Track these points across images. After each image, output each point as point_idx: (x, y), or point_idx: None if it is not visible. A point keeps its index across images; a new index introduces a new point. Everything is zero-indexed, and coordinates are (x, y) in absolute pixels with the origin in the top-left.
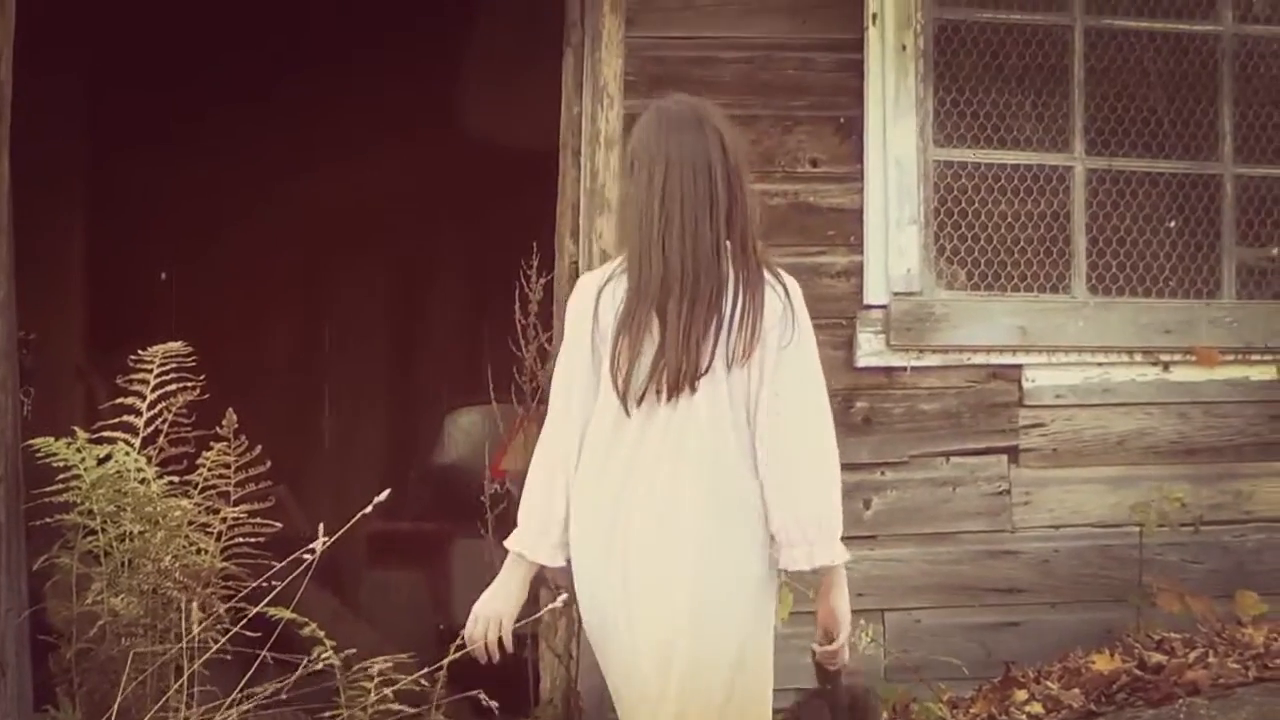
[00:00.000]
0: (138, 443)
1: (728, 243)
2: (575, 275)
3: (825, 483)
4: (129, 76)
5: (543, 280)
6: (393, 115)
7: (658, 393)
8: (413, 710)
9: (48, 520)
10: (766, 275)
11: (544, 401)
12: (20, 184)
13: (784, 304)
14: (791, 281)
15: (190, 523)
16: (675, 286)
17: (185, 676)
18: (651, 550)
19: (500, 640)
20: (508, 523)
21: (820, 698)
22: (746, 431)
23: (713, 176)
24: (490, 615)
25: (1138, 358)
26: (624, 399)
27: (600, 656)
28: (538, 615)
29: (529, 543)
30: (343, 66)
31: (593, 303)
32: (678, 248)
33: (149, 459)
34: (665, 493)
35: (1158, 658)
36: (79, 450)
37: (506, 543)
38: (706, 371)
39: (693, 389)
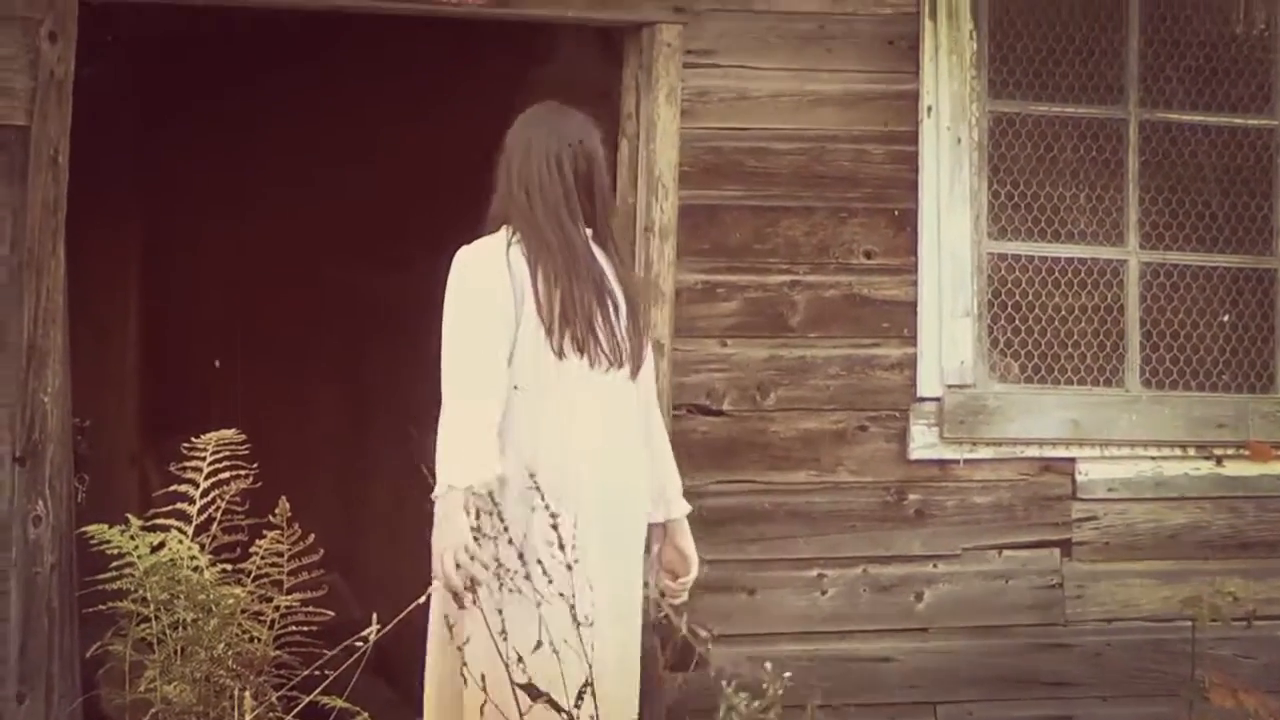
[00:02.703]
0: (191, 530)
1: (589, 231)
2: None
3: (670, 450)
4: (178, 183)
5: None
6: (444, 214)
7: (582, 353)
8: None
9: (101, 607)
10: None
11: None
12: (74, 272)
13: (644, 295)
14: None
15: (243, 610)
16: (568, 266)
17: None
18: (601, 506)
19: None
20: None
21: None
22: (640, 404)
23: (579, 173)
24: (455, 545)
25: (1191, 451)
26: (556, 348)
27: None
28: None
29: (470, 473)
30: (399, 161)
31: (504, 267)
32: (566, 235)
33: (202, 546)
34: (608, 456)
35: None
36: (133, 538)
37: (446, 483)
38: (619, 359)
39: (610, 361)
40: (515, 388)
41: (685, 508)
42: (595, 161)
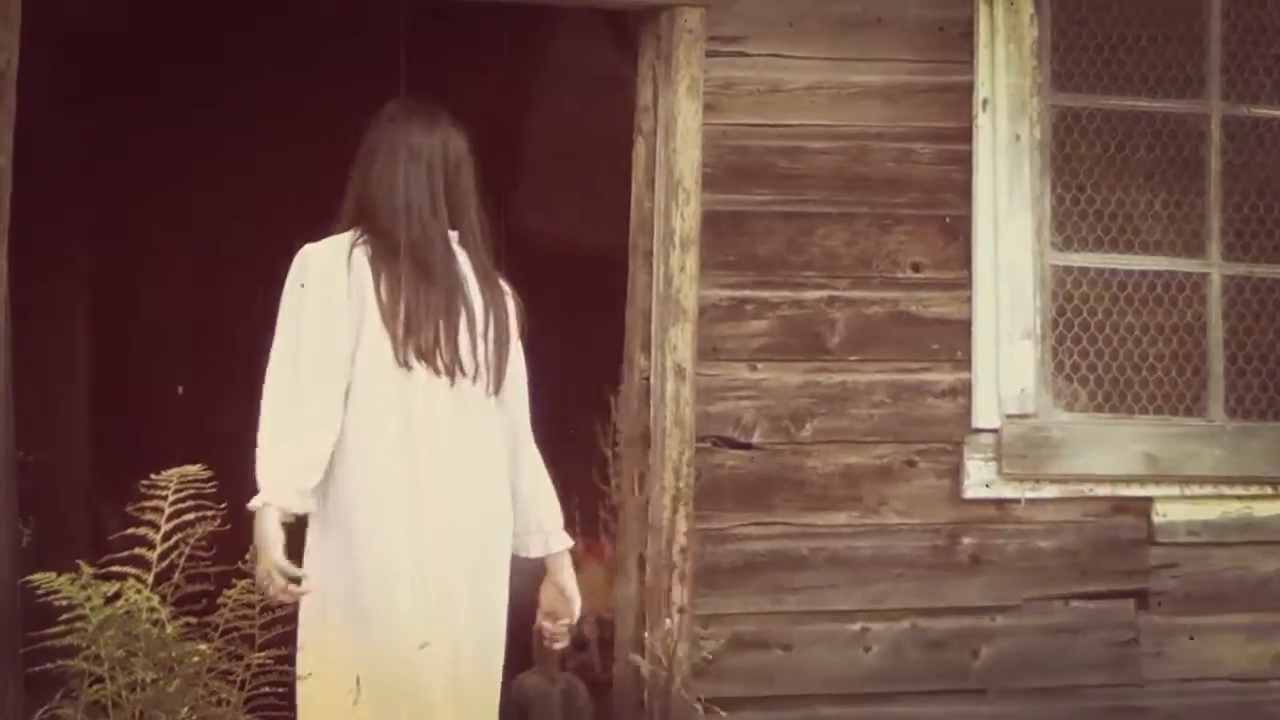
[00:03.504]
0: (151, 579)
1: (454, 234)
2: (647, 393)
3: (549, 479)
4: (136, 171)
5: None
6: None
7: (427, 362)
8: None
9: (49, 666)
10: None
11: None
12: (19, 286)
13: (515, 310)
14: (508, 287)
15: (210, 669)
16: (419, 272)
17: None
18: (442, 525)
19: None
20: (583, 671)
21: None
22: (498, 433)
23: (434, 176)
24: (266, 567)
25: None
26: (401, 358)
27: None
28: None
29: (284, 493)
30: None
31: (344, 267)
32: (419, 239)
33: (163, 597)
34: (451, 473)
35: None
36: (84, 587)
37: (262, 499)
38: (471, 370)
39: (460, 373)
40: (349, 396)
41: (565, 541)
42: (460, 161)
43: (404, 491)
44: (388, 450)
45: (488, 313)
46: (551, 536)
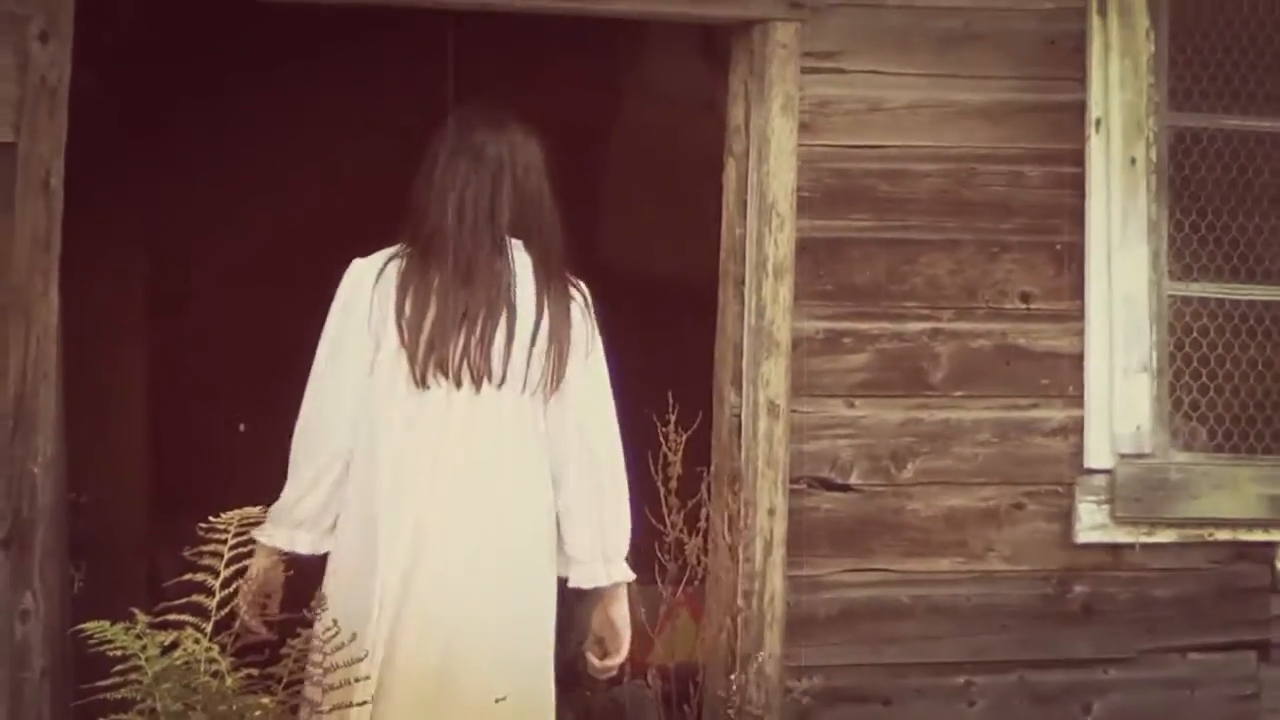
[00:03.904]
0: (210, 628)
1: (519, 243)
2: (739, 430)
3: (623, 502)
4: (199, 196)
5: (684, 435)
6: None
7: (447, 379)
8: None
9: None
10: (569, 289)
11: (695, 581)
12: (72, 316)
13: (583, 312)
14: (584, 287)
15: None
16: (459, 277)
17: None
18: (449, 555)
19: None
20: None
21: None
22: (542, 442)
23: (498, 179)
24: (243, 601)
25: None
26: (418, 377)
27: None
28: None
29: (276, 535)
30: None
31: (372, 281)
32: (465, 242)
33: (223, 647)
34: (468, 490)
35: None
36: (139, 636)
37: (261, 535)
38: (504, 376)
39: (483, 381)
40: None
41: (625, 573)
42: (529, 165)
43: (408, 511)
44: (395, 472)
45: (539, 318)
46: (612, 566)
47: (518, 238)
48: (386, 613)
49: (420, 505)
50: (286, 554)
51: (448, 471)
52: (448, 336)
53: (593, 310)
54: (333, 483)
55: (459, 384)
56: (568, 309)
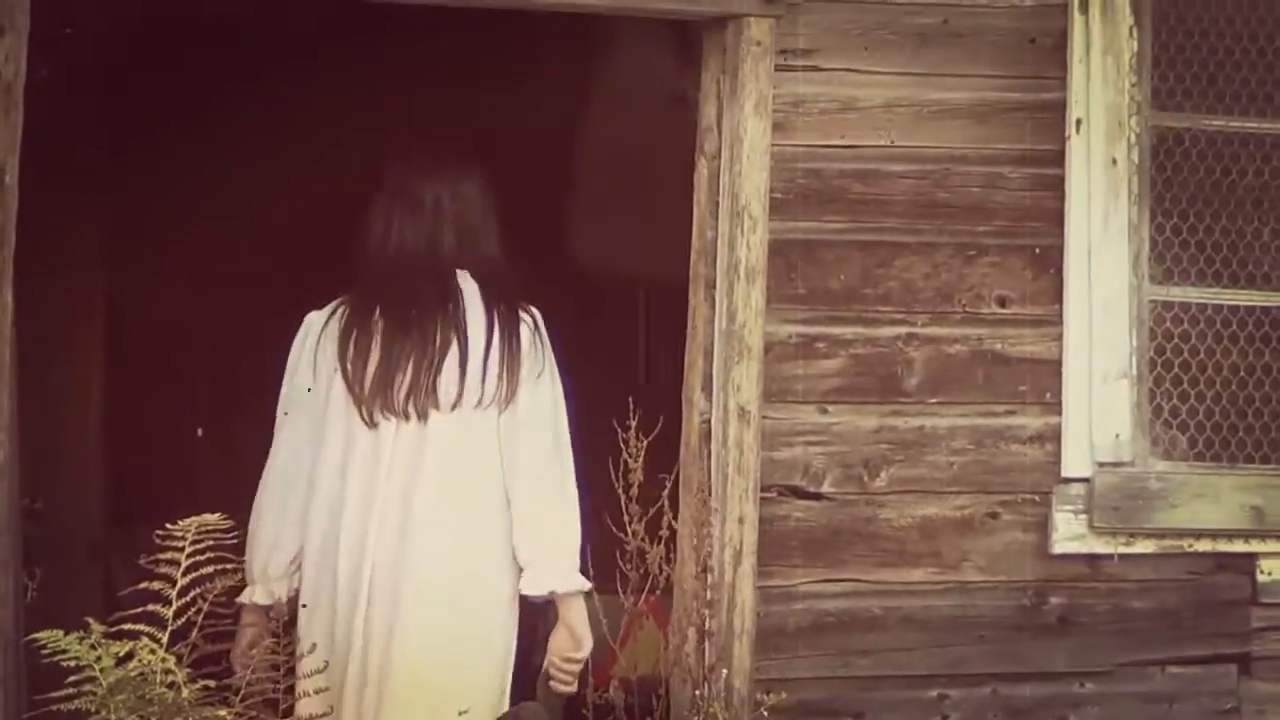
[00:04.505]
0: (166, 638)
1: (465, 274)
2: (708, 436)
3: (571, 512)
4: (156, 196)
5: (644, 442)
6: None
7: (395, 415)
8: None
9: None
10: (519, 313)
11: (657, 590)
12: (26, 319)
13: (532, 333)
14: (535, 311)
15: None
16: (400, 319)
17: None
18: (396, 577)
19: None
20: None
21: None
22: (497, 460)
23: (436, 218)
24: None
25: None
26: (365, 418)
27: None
28: None
29: (249, 591)
30: None
31: (317, 333)
32: (405, 284)
33: (179, 657)
34: (416, 517)
35: None
36: (94, 646)
37: (251, 599)
38: (457, 400)
39: (430, 411)
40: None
41: (577, 583)
42: (469, 199)
43: (355, 542)
44: (347, 505)
45: (489, 342)
46: (550, 575)
47: (464, 269)
48: (349, 639)
49: (373, 535)
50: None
51: (398, 501)
52: (392, 377)
53: (543, 334)
54: (295, 536)
55: (406, 418)
56: (517, 332)
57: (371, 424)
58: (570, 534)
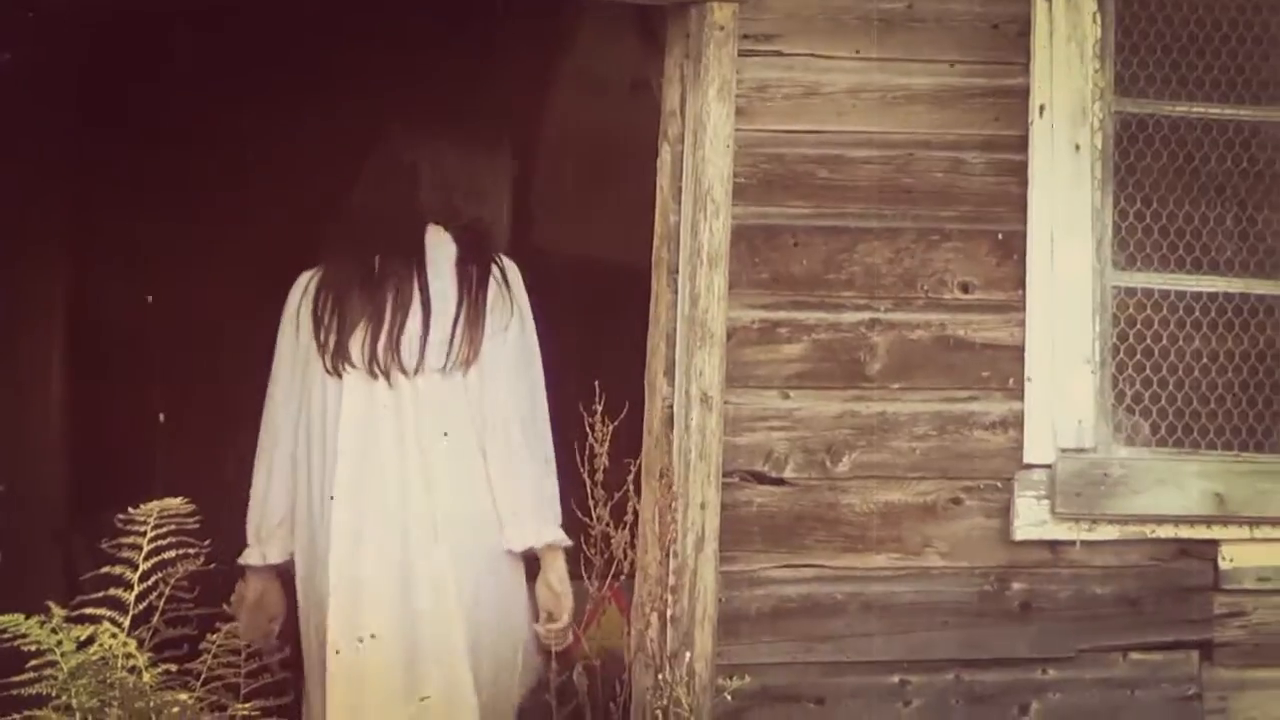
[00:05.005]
0: (127, 622)
1: (440, 229)
2: (670, 421)
3: (545, 465)
4: (119, 181)
5: (610, 427)
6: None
7: (364, 370)
8: None
9: (15, 717)
10: (491, 267)
11: (621, 576)
12: None
13: (500, 286)
14: (509, 262)
15: None
16: (365, 276)
17: None
18: (384, 538)
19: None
20: None
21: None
22: (469, 420)
23: (414, 174)
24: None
25: None
26: (333, 370)
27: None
28: None
29: (247, 552)
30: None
31: (300, 292)
32: (372, 243)
33: (141, 642)
34: (397, 474)
35: None
36: (55, 630)
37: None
38: (419, 364)
39: (394, 373)
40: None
41: (556, 536)
42: (446, 157)
43: (341, 498)
44: (328, 461)
45: (457, 303)
46: (526, 530)
47: (443, 223)
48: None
49: (343, 493)
50: (274, 568)
51: (363, 460)
52: (352, 330)
53: (513, 285)
54: (285, 488)
55: (374, 375)
56: (485, 287)
57: (336, 375)
58: (544, 488)
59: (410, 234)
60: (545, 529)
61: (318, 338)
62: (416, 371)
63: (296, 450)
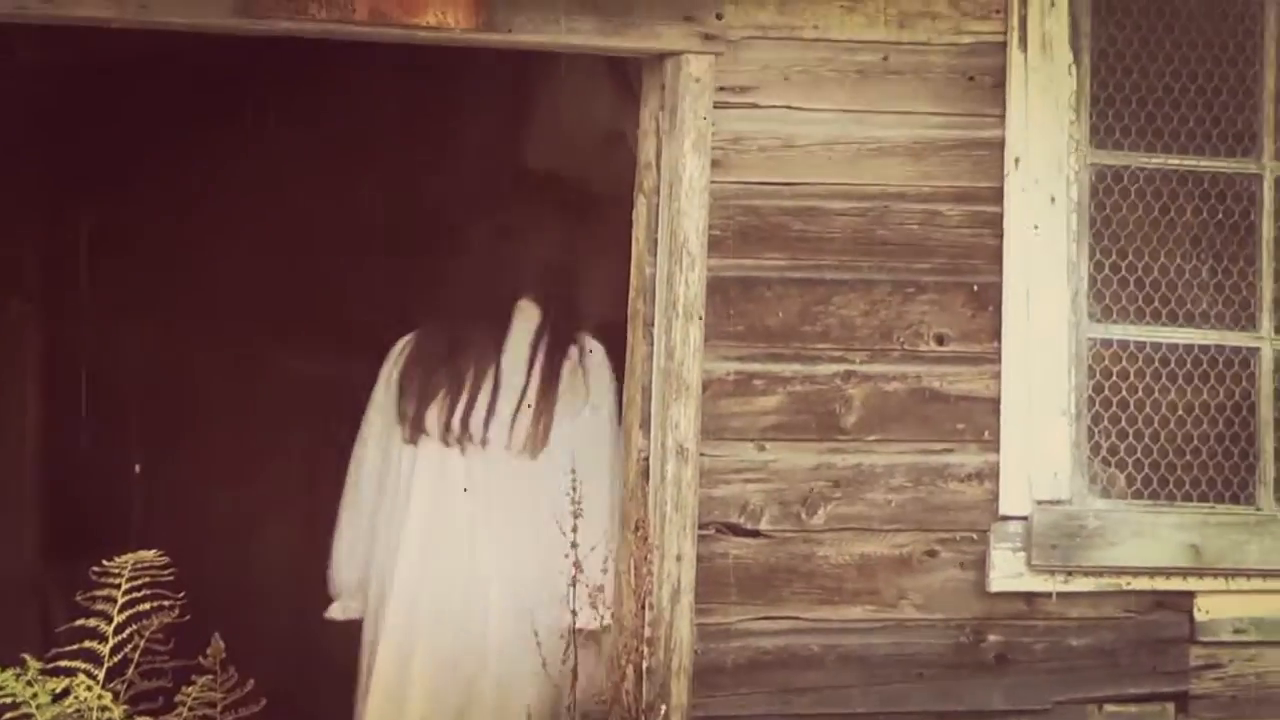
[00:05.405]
0: (102, 675)
1: (531, 304)
2: (646, 473)
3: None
4: (95, 233)
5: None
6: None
7: (445, 441)
8: None
9: None
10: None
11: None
12: None
13: (575, 367)
14: (594, 344)
15: None
16: (450, 348)
17: None
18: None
19: None
20: None
21: None
22: (538, 496)
23: (518, 248)
24: None
25: None
26: (410, 439)
27: None
28: None
29: (342, 607)
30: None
31: (395, 356)
32: (463, 313)
33: (116, 694)
34: (463, 544)
35: None
36: (30, 683)
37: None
38: (485, 437)
39: (467, 446)
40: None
41: (587, 620)
42: (547, 238)
43: (405, 565)
44: (391, 529)
45: (526, 382)
46: (593, 611)
47: (533, 300)
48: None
49: (407, 560)
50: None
51: (430, 528)
52: (431, 399)
53: (591, 369)
54: (360, 554)
55: (447, 445)
56: (558, 371)
57: (412, 443)
58: (588, 573)
59: (499, 306)
60: (582, 612)
61: (399, 404)
62: (484, 444)
63: (377, 513)
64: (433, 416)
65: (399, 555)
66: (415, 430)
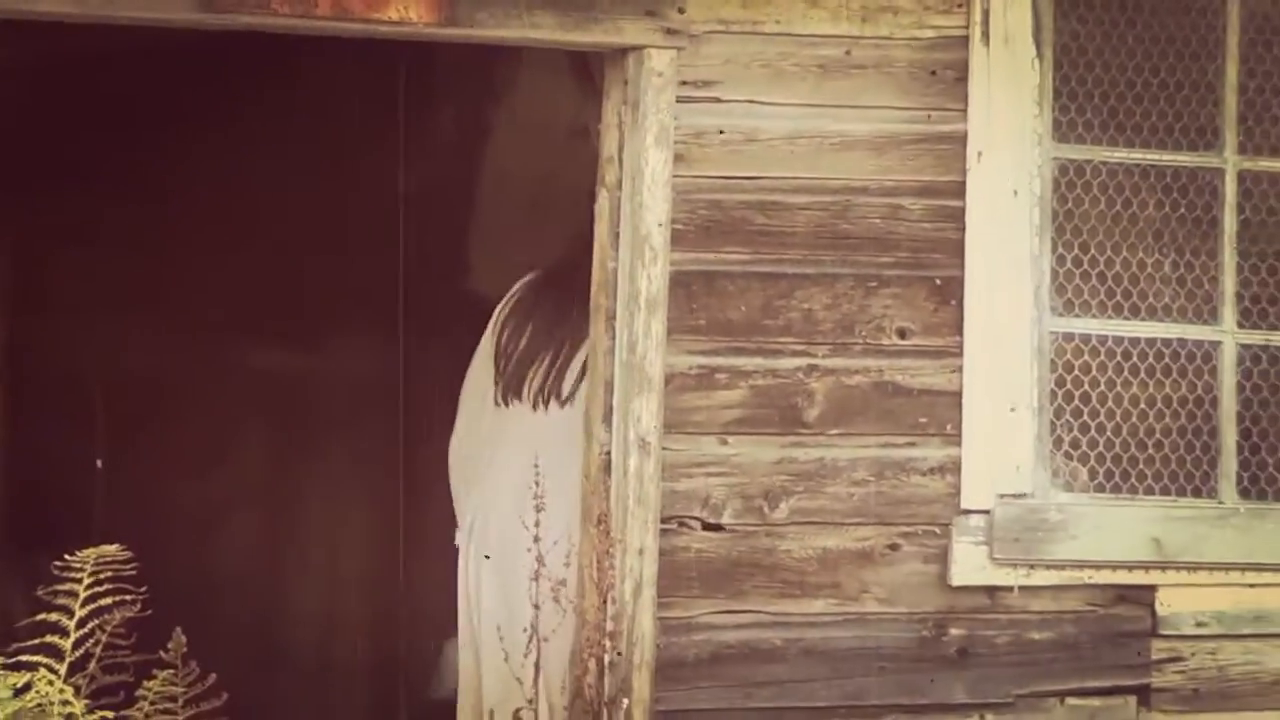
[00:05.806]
0: (64, 669)
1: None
2: (608, 467)
3: None
4: (53, 225)
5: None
6: (358, 283)
7: (527, 401)
8: None
9: None
10: None
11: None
12: None
13: None
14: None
15: None
16: (563, 306)
17: None
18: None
19: None
20: None
21: None
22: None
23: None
24: None
25: None
26: (499, 399)
27: None
28: None
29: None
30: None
31: (500, 308)
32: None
33: (77, 689)
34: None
35: None
36: None
37: None
38: (572, 395)
39: (556, 400)
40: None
41: None
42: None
43: (484, 516)
44: (477, 482)
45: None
46: None
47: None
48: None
49: (488, 514)
50: None
51: (517, 484)
52: (531, 362)
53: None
54: (464, 507)
55: (534, 406)
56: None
57: (504, 404)
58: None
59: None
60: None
61: (496, 368)
62: (567, 402)
63: (473, 468)
64: (532, 380)
65: (473, 520)
66: (511, 392)
